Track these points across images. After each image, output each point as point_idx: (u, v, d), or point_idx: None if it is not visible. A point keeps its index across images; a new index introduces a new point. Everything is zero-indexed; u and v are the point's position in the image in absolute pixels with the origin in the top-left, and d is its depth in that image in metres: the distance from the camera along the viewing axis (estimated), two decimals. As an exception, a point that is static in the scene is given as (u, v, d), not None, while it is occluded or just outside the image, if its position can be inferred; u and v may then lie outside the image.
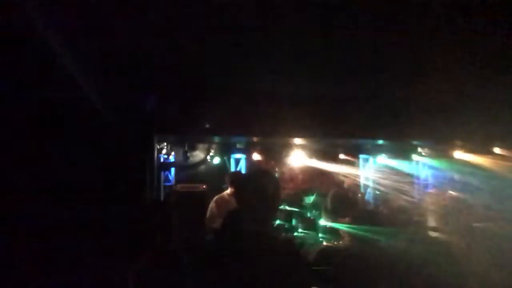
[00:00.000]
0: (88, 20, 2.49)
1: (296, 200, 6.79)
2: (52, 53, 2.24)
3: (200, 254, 2.03)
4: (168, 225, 2.77)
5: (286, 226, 6.13)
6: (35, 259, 2.42)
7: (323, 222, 5.79)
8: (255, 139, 5.82)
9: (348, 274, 2.51)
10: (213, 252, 2.04)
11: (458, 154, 5.64)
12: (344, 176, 5.94)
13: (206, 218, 5.26)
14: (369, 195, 6.40)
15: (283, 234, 6.00)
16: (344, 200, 5.58)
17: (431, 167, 6.28)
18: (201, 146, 6.73)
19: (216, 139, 6.01)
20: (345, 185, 5.79)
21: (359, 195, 5.86)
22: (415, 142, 5.85)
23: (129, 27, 2.71)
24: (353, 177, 5.92)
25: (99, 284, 1.18)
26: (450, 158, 5.77)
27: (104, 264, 1.21)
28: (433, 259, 2.53)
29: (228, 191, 5.26)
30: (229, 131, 4.75)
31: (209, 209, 5.29)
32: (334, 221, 5.65)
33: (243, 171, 6.94)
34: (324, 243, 5.44)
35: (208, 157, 6.90)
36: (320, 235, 5.83)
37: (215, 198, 5.33)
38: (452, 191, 5.45)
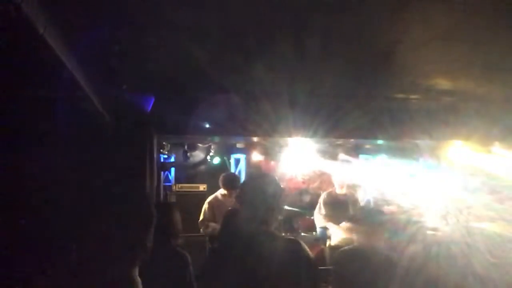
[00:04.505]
0: (88, 19, 2.49)
1: (296, 200, 6.80)
2: (52, 53, 2.24)
3: (202, 254, 2.04)
4: (170, 224, 2.77)
5: (285, 227, 6.14)
6: (34, 259, 2.42)
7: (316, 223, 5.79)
8: (255, 139, 5.82)
9: (349, 274, 2.51)
10: (215, 252, 2.05)
11: (459, 154, 5.64)
12: (343, 176, 5.92)
13: (199, 222, 5.21)
14: (367, 195, 6.39)
15: (283, 234, 5.99)
16: (336, 202, 5.59)
17: (431, 166, 6.28)
18: (201, 146, 6.73)
19: (216, 139, 6.01)
20: (342, 186, 5.75)
21: (355, 195, 5.83)
22: (415, 142, 5.85)
23: (129, 27, 2.71)
24: (352, 177, 5.90)
25: (101, 285, 1.18)
26: (450, 158, 5.77)
27: (105, 265, 1.21)
28: (433, 259, 2.53)
29: (222, 191, 5.21)
30: (229, 131, 4.75)
31: (202, 211, 5.23)
32: (325, 222, 5.65)
33: (240, 173, 6.95)
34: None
35: (208, 157, 6.90)
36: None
37: (208, 200, 5.27)
38: (452, 190, 5.45)
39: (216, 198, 5.22)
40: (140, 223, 1.24)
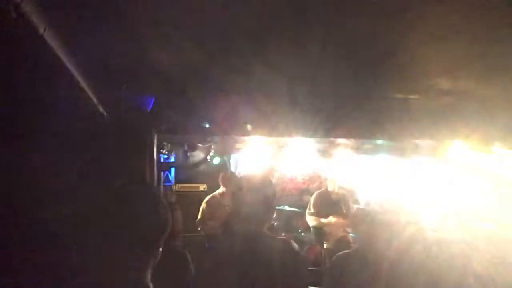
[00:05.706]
0: (88, 19, 2.49)
1: (296, 200, 6.81)
2: (52, 53, 2.24)
3: (202, 254, 2.05)
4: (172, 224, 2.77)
5: (285, 227, 6.15)
6: (34, 260, 2.42)
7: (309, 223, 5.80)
8: (255, 139, 5.82)
9: (346, 274, 2.51)
10: (213, 252, 2.05)
11: (459, 154, 5.64)
12: (336, 176, 5.92)
13: (196, 221, 5.22)
14: (367, 195, 6.39)
15: (282, 234, 6.00)
16: (326, 201, 5.59)
17: (431, 166, 6.28)
18: (201, 146, 6.73)
19: (216, 139, 6.01)
20: (334, 185, 5.74)
21: (347, 196, 5.82)
22: (415, 142, 5.85)
23: (129, 27, 2.71)
24: (349, 178, 5.90)
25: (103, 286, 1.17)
26: (450, 158, 5.77)
27: (107, 266, 1.20)
28: (433, 259, 2.52)
29: (220, 190, 5.25)
30: (229, 131, 4.75)
31: (200, 210, 5.26)
32: (317, 222, 5.66)
33: (241, 172, 6.95)
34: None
35: (208, 157, 6.91)
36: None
37: (206, 199, 5.30)
38: (453, 190, 5.45)
39: (214, 197, 5.26)
40: (154, 227, 1.23)
